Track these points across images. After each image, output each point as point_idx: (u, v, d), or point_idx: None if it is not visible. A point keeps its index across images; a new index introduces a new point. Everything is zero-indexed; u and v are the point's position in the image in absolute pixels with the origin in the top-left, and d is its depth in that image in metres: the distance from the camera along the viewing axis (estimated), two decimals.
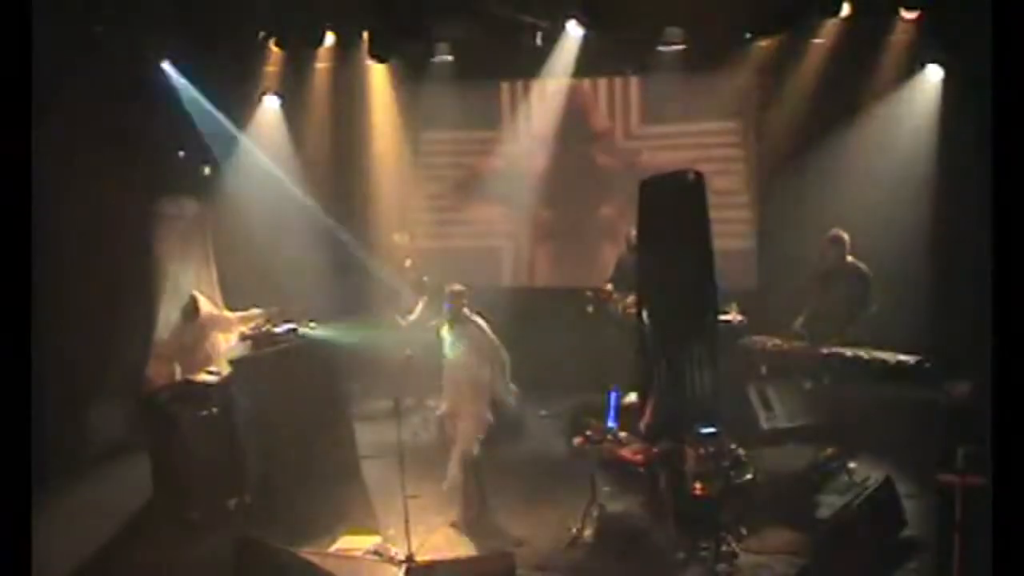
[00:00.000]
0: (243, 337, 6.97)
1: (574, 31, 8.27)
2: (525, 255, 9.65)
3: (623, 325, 7.20)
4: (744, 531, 5.52)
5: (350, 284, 9.11)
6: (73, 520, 6.22)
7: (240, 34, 8.34)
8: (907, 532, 5.42)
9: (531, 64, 8.75)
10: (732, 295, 7.31)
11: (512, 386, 6.32)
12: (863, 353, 6.46)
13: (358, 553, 5.53)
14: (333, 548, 5.59)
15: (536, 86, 9.22)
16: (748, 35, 8.22)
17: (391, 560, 5.40)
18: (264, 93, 9.09)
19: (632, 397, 6.45)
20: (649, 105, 9.12)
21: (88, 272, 7.45)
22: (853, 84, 7.95)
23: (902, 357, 6.32)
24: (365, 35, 8.25)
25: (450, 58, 9.03)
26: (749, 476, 5.44)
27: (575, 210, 9.42)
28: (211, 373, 6.71)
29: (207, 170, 8.86)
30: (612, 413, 6.07)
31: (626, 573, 5.39)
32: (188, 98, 8.32)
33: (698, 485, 5.24)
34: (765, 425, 7.02)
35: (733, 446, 5.44)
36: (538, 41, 8.39)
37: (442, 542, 5.81)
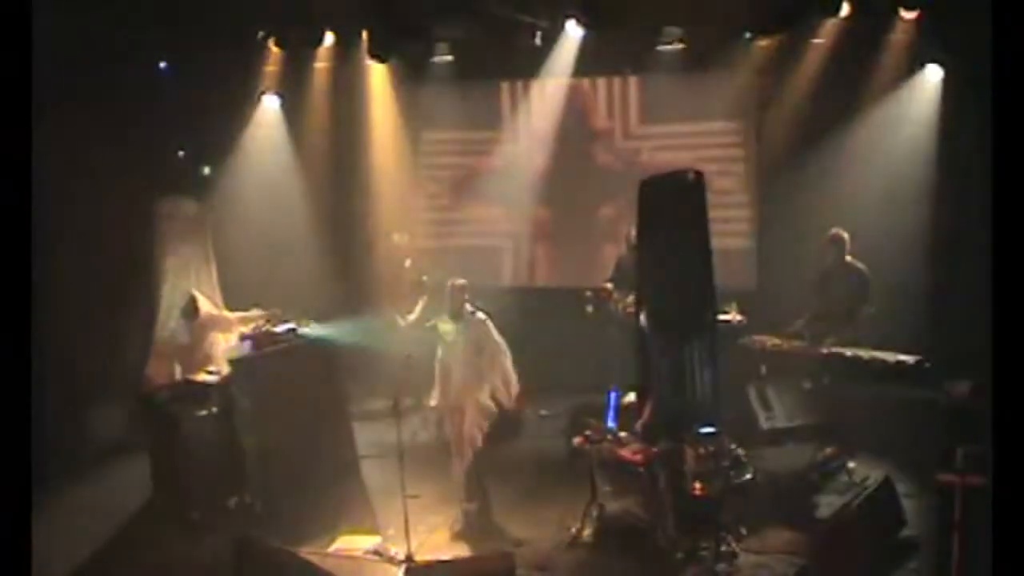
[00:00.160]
0: (243, 337, 6.96)
1: (573, 31, 8.28)
2: (525, 255, 9.65)
3: (623, 325, 7.19)
4: (744, 531, 5.52)
5: (350, 284, 9.12)
6: (73, 520, 6.23)
7: (240, 34, 8.35)
8: (906, 532, 5.41)
9: (531, 64, 8.75)
10: (732, 295, 7.31)
11: (514, 381, 6.34)
12: (863, 353, 6.46)
13: (358, 553, 5.53)
14: (333, 548, 5.60)
15: (536, 86, 9.21)
16: (748, 35, 8.21)
17: (391, 560, 5.40)
18: (264, 93, 9.10)
19: (632, 397, 6.45)
20: (648, 105, 9.11)
21: (88, 272, 7.46)
22: (853, 84, 7.95)
23: (902, 357, 6.31)
24: (365, 35, 8.26)
25: (450, 58, 9.04)
26: (748, 476, 5.43)
27: (575, 210, 9.41)
28: (211, 373, 6.70)
29: (207, 170, 8.87)
30: (612, 413, 6.08)
31: (626, 573, 5.39)
32: (188, 98, 8.32)
33: (698, 485, 5.24)
34: (765, 425, 7.02)
35: (733, 446, 5.43)
36: (538, 41, 8.39)
37: (442, 541, 5.82)
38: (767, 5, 7.70)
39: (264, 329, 6.87)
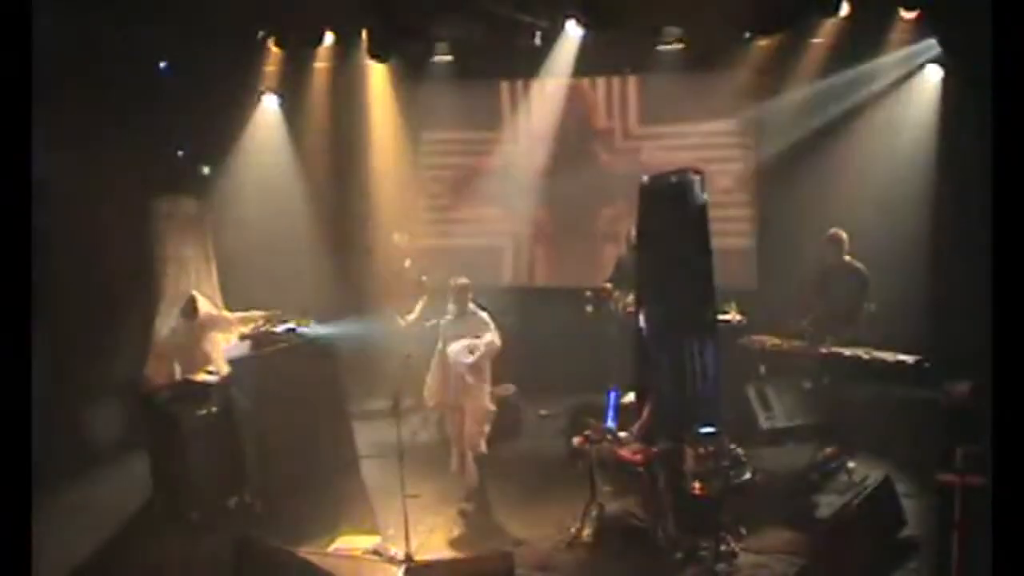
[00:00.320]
0: (243, 337, 6.97)
1: (573, 31, 8.27)
2: (525, 255, 9.65)
3: (623, 325, 7.19)
4: (743, 531, 5.52)
5: (350, 284, 9.11)
6: (73, 520, 6.23)
7: (240, 34, 8.34)
8: (906, 532, 5.41)
9: (531, 64, 8.75)
10: (732, 295, 7.31)
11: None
12: (863, 353, 6.46)
13: (357, 553, 5.53)
14: (332, 548, 5.60)
15: (536, 86, 9.21)
16: (747, 35, 8.21)
17: (390, 560, 5.40)
18: (264, 93, 9.10)
19: (632, 397, 6.45)
20: (649, 105, 9.11)
21: (88, 272, 7.46)
22: (853, 84, 7.95)
23: (902, 357, 6.32)
24: (364, 35, 8.25)
25: (450, 58, 9.03)
26: (748, 476, 5.42)
27: (575, 210, 9.41)
28: (211, 373, 6.70)
29: (207, 170, 8.86)
30: (612, 413, 6.07)
31: (625, 573, 5.38)
32: (188, 98, 8.31)
33: (697, 485, 5.24)
34: (764, 425, 7.04)
35: (732, 446, 5.43)
36: (537, 41, 8.39)
37: (441, 541, 5.82)
38: (767, 5, 7.68)
39: (264, 329, 6.88)
